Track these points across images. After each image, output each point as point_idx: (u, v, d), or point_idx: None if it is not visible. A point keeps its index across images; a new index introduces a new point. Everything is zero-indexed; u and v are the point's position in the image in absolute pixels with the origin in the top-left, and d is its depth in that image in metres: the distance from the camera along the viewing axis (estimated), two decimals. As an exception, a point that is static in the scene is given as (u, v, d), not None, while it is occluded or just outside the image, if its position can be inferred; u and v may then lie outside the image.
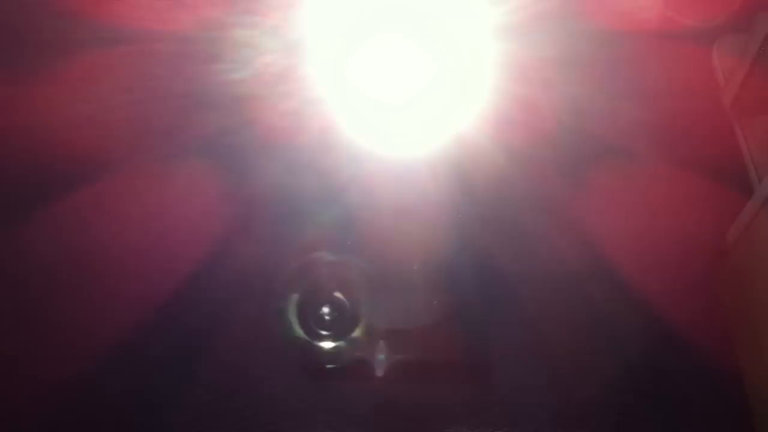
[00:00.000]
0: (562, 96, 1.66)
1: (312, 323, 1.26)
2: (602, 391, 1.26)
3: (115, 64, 1.68)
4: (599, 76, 1.72)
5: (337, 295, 1.27)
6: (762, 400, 1.19)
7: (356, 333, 1.25)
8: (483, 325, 1.35)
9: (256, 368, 1.31)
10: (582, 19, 1.70)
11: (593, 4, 1.73)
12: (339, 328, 1.26)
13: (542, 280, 1.41)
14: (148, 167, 1.54)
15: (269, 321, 1.38)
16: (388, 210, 1.34)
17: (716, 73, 1.68)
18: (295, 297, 1.26)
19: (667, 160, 1.59)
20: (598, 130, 1.63)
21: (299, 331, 1.26)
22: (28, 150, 1.57)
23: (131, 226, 1.49)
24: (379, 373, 1.27)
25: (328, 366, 1.26)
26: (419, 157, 1.38)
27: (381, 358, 1.29)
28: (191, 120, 1.62)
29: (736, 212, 1.35)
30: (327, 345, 1.27)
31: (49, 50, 1.67)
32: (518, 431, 1.22)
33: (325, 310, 1.26)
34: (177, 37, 1.67)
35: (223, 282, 1.45)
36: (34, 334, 1.36)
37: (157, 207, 1.52)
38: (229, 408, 1.27)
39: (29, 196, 1.52)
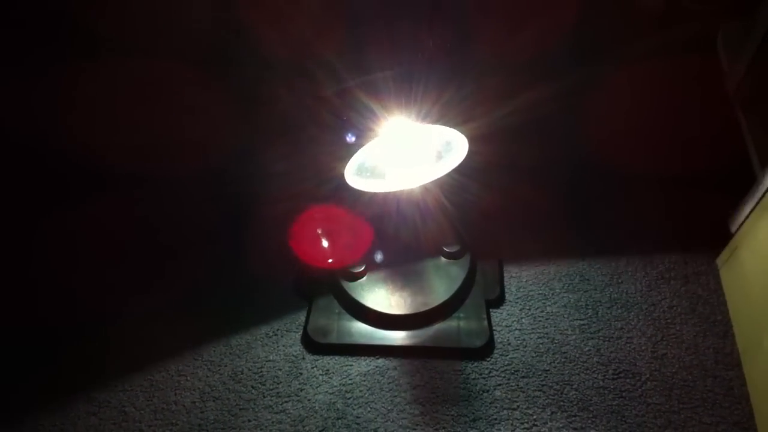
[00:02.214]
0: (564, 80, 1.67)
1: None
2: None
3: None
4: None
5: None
6: (761, 386, 1.20)
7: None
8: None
9: (260, 349, 1.33)
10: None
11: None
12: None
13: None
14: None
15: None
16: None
17: (720, 59, 1.68)
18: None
19: (670, 147, 1.60)
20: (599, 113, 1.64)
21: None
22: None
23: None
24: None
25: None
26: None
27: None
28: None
29: (738, 199, 1.35)
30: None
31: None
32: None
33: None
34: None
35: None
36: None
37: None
38: (232, 389, 1.28)
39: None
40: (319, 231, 1.45)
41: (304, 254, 1.43)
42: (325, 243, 1.43)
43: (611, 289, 1.38)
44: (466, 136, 1.21)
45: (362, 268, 1.38)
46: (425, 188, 1.34)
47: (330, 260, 1.40)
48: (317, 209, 1.48)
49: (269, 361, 1.31)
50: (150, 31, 1.72)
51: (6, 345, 1.35)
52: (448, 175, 1.31)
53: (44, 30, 1.73)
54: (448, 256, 1.41)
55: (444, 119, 1.17)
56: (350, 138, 1.17)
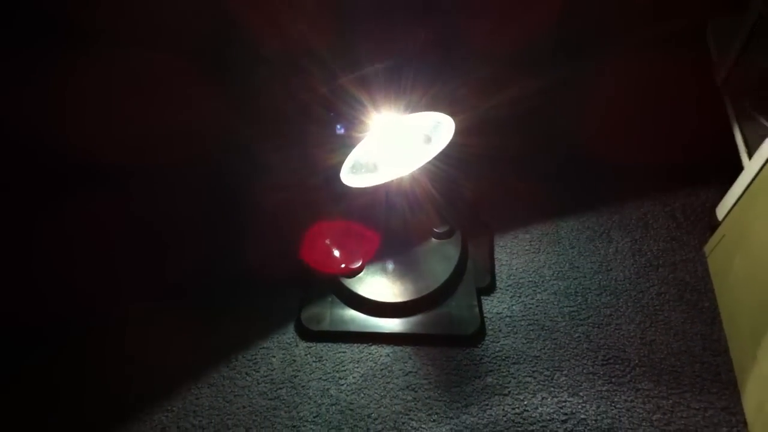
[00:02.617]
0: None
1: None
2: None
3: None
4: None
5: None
6: (747, 371, 1.21)
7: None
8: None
9: (253, 336, 1.34)
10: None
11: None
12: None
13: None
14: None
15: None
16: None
17: (710, 51, 1.70)
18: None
19: (658, 137, 1.61)
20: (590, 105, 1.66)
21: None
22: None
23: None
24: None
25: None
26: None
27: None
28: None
29: (726, 187, 1.37)
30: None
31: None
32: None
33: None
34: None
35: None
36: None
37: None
38: (226, 376, 1.29)
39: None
40: (328, 242, 1.45)
41: (317, 264, 1.42)
42: (336, 252, 1.43)
43: (600, 277, 1.40)
44: (454, 120, 1.22)
45: (359, 263, 1.40)
46: (414, 178, 1.35)
47: (342, 265, 1.40)
48: (323, 223, 1.49)
49: (263, 348, 1.32)
50: (144, 23, 1.73)
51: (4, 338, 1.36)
52: (437, 167, 1.33)
53: (36, 23, 1.73)
54: (440, 236, 1.42)
55: (432, 107, 1.18)
56: (339, 130, 1.18)
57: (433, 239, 1.43)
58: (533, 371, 1.28)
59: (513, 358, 1.29)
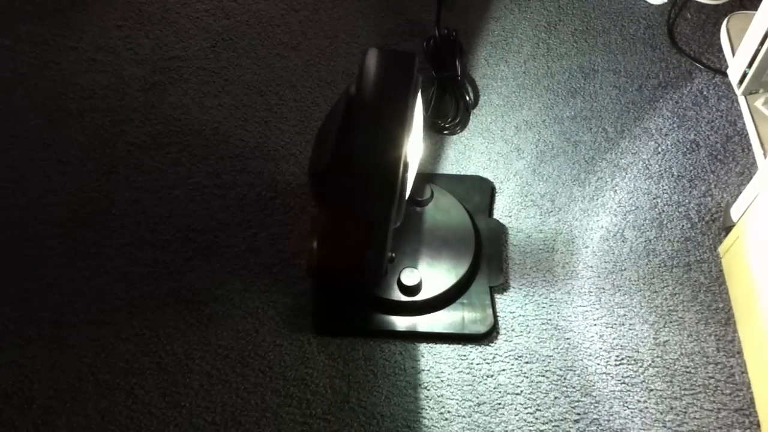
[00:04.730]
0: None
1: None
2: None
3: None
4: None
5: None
6: (761, 373, 1.21)
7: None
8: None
9: (267, 333, 1.33)
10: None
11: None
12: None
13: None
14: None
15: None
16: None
17: (725, 49, 1.69)
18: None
19: (671, 134, 1.60)
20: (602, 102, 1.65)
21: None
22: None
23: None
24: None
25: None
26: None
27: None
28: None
29: (740, 188, 1.36)
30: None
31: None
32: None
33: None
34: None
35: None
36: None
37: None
38: (239, 373, 1.29)
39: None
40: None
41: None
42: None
43: (614, 276, 1.39)
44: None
45: (418, 280, 1.34)
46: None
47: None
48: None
49: (276, 345, 1.32)
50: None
51: (11, 329, 1.36)
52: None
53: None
54: (421, 204, 1.42)
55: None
56: None
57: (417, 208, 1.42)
58: (546, 371, 1.28)
59: (526, 357, 1.29)
